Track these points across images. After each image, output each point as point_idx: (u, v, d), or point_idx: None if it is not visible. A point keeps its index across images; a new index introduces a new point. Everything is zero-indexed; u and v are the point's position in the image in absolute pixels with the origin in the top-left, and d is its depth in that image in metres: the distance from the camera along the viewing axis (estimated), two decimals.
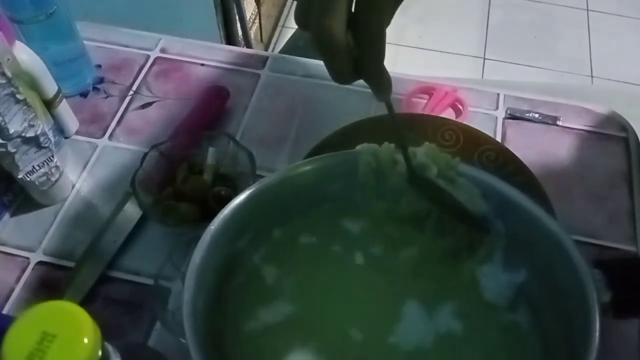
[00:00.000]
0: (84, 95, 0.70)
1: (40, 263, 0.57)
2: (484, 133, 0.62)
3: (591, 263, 0.39)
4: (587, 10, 1.97)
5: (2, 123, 0.51)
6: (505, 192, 0.43)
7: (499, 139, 0.65)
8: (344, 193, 0.46)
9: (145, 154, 0.56)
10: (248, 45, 1.50)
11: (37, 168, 0.56)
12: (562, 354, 0.39)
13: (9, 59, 0.54)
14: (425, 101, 0.69)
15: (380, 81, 0.39)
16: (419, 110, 0.68)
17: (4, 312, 0.54)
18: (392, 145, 0.44)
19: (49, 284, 0.55)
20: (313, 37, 0.37)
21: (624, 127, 0.67)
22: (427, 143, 0.44)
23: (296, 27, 0.40)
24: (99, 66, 0.72)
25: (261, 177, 0.45)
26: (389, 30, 0.37)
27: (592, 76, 1.80)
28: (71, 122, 0.65)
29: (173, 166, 0.58)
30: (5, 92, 0.50)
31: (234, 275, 0.44)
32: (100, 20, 0.77)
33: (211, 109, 0.67)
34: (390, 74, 0.39)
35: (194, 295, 0.38)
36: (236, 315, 0.43)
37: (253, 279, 0.44)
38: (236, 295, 0.43)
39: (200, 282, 0.38)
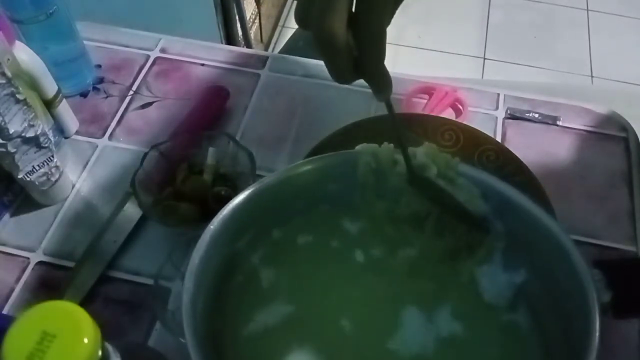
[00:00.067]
0: (84, 95, 0.70)
1: (40, 263, 0.57)
2: (484, 133, 0.62)
3: (591, 263, 0.39)
4: (587, 10, 1.97)
5: (2, 123, 0.51)
6: (505, 192, 0.43)
7: (499, 139, 0.65)
8: (344, 193, 0.46)
9: (145, 154, 0.56)
10: (248, 45, 1.50)
11: (37, 168, 0.56)
12: (562, 354, 0.39)
13: (9, 59, 0.54)
14: (425, 101, 0.69)
15: (381, 81, 0.39)
16: (419, 110, 0.68)
17: (4, 312, 0.54)
18: (392, 145, 0.44)
19: (49, 284, 0.55)
20: (313, 36, 0.37)
21: (624, 127, 0.67)
22: (427, 143, 0.44)
23: (296, 27, 0.40)
24: (99, 66, 0.72)
25: (261, 177, 0.45)
26: (389, 30, 0.37)
27: (592, 76, 1.80)
28: (71, 122, 0.65)
29: (173, 166, 0.58)
30: (5, 92, 0.50)
31: (233, 276, 0.44)
32: (100, 20, 0.77)
33: (211, 109, 0.67)
34: (390, 74, 0.39)
35: (193, 295, 0.38)
36: (235, 316, 0.43)
37: (252, 279, 0.44)
38: (236, 295, 0.43)
39: (199, 283, 0.38)
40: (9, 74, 0.50)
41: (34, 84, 0.59)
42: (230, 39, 1.42)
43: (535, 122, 0.67)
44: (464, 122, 0.64)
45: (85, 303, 0.53)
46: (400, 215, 0.45)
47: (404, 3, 0.39)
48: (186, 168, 0.58)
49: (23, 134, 0.53)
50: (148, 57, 0.73)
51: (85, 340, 0.27)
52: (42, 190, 0.58)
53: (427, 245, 0.45)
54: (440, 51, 1.85)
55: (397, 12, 0.39)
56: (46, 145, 0.56)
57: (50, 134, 0.59)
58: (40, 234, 0.59)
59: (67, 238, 0.58)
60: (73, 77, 0.69)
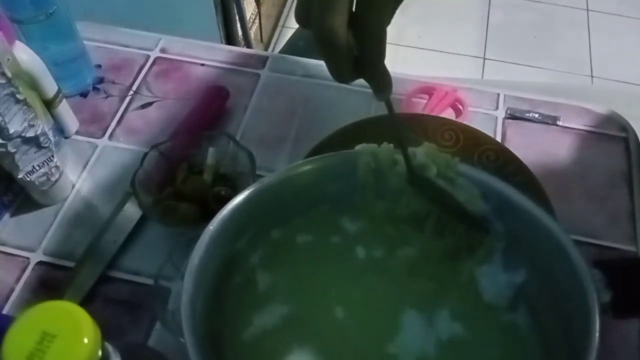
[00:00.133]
0: (84, 95, 0.70)
1: (40, 263, 0.57)
2: (483, 133, 0.62)
3: (591, 263, 0.39)
4: (587, 10, 1.97)
5: (2, 123, 0.51)
6: (505, 192, 0.43)
7: (499, 139, 0.65)
8: (344, 193, 0.46)
9: (145, 154, 0.56)
10: (248, 45, 1.50)
11: (37, 168, 0.56)
12: (562, 354, 0.39)
13: (9, 59, 0.54)
14: (425, 101, 0.69)
15: (381, 80, 0.39)
16: (419, 110, 0.68)
17: (4, 312, 0.54)
18: (392, 145, 0.44)
19: (49, 284, 0.55)
20: (314, 35, 0.37)
21: (624, 127, 0.67)
22: (427, 143, 0.44)
23: (296, 27, 0.40)
24: (99, 66, 0.72)
25: (261, 177, 0.45)
26: (389, 30, 0.37)
27: (592, 76, 1.80)
28: (71, 122, 0.65)
29: (173, 166, 0.58)
30: (5, 92, 0.50)
31: (232, 276, 0.44)
32: (100, 20, 0.77)
33: (211, 109, 0.67)
34: (390, 74, 0.39)
35: (193, 295, 0.38)
36: (235, 316, 0.43)
37: (252, 280, 0.44)
38: (235, 296, 0.43)
39: (198, 283, 0.38)
40: (9, 74, 0.50)
41: (34, 84, 0.59)
42: (230, 39, 1.42)
43: (535, 122, 0.67)
44: (464, 122, 0.64)
45: (85, 303, 0.53)
46: (400, 215, 0.45)
47: (404, 3, 0.39)
48: (186, 168, 0.58)
49: (23, 134, 0.53)
50: (148, 57, 0.73)
51: (85, 340, 0.27)
52: (42, 190, 0.58)
53: (427, 245, 0.45)
54: (440, 51, 1.85)
55: (397, 12, 0.39)
56: (46, 145, 0.56)
57: (50, 134, 0.59)
58: (40, 234, 0.59)
59: (67, 238, 0.58)
60: (73, 77, 0.69)
